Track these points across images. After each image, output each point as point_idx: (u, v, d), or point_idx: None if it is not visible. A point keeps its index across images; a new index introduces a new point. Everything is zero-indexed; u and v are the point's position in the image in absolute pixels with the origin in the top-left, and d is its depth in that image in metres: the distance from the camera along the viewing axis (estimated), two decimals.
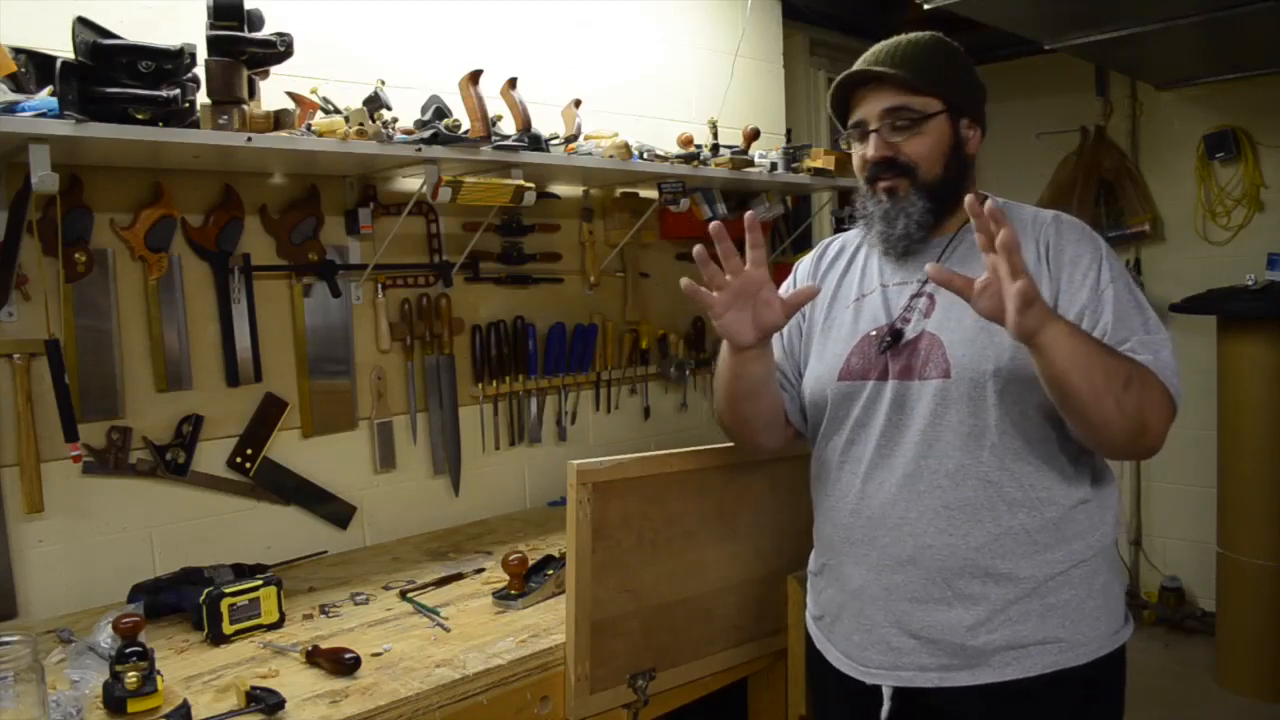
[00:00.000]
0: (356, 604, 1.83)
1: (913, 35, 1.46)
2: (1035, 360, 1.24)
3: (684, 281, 1.38)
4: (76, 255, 1.82)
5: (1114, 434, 1.28)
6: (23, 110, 1.52)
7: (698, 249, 1.38)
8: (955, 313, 1.39)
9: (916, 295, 1.45)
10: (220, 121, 1.72)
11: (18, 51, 1.62)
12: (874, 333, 1.46)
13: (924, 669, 1.39)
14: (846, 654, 1.48)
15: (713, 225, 1.39)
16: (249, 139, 1.73)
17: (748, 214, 1.41)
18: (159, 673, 1.39)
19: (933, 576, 1.38)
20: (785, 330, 1.57)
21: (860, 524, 1.44)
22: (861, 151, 1.46)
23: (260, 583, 1.69)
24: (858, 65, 1.45)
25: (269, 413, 2.11)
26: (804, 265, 1.65)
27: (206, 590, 1.64)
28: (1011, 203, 1.47)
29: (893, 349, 1.42)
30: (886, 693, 1.42)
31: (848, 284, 1.56)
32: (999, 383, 1.34)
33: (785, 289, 1.62)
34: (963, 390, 1.36)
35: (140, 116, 1.61)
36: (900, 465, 1.40)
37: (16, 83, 1.59)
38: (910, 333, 1.42)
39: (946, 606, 1.37)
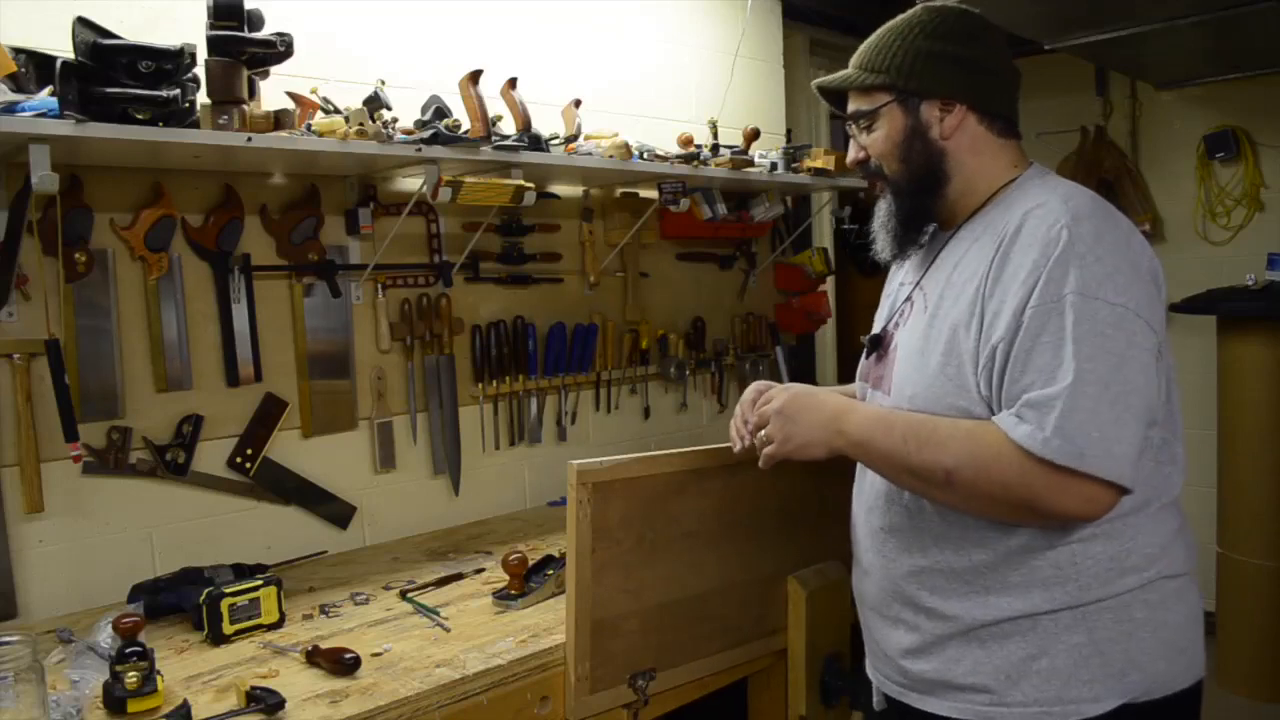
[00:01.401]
0: (356, 604, 1.83)
1: (895, 19, 1.38)
2: None
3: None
4: (76, 255, 1.82)
5: (974, 515, 1.24)
6: (23, 110, 1.52)
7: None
8: (916, 324, 1.34)
9: (907, 299, 1.40)
10: (220, 121, 1.72)
11: (18, 51, 1.62)
12: (866, 338, 1.48)
13: (889, 678, 1.41)
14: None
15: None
16: (249, 139, 1.73)
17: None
18: (159, 673, 1.39)
19: (877, 592, 1.40)
20: None
21: (854, 525, 1.49)
22: None
23: (260, 583, 1.69)
24: (819, 81, 1.46)
25: (269, 413, 2.11)
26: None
27: (206, 590, 1.64)
28: (1032, 183, 1.32)
29: (875, 356, 1.43)
30: (875, 687, 1.47)
31: (889, 287, 1.55)
32: (915, 408, 1.27)
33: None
34: (896, 407, 1.32)
35: (140, 116, 1.61)
36: (868, 478, 1.41)
37: (16, 83, 1.59)
38: (892, 341, 1.39)
39: (891, 625, 1.38)
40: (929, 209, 1.36)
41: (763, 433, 1.30)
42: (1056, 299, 1.15)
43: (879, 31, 1.38)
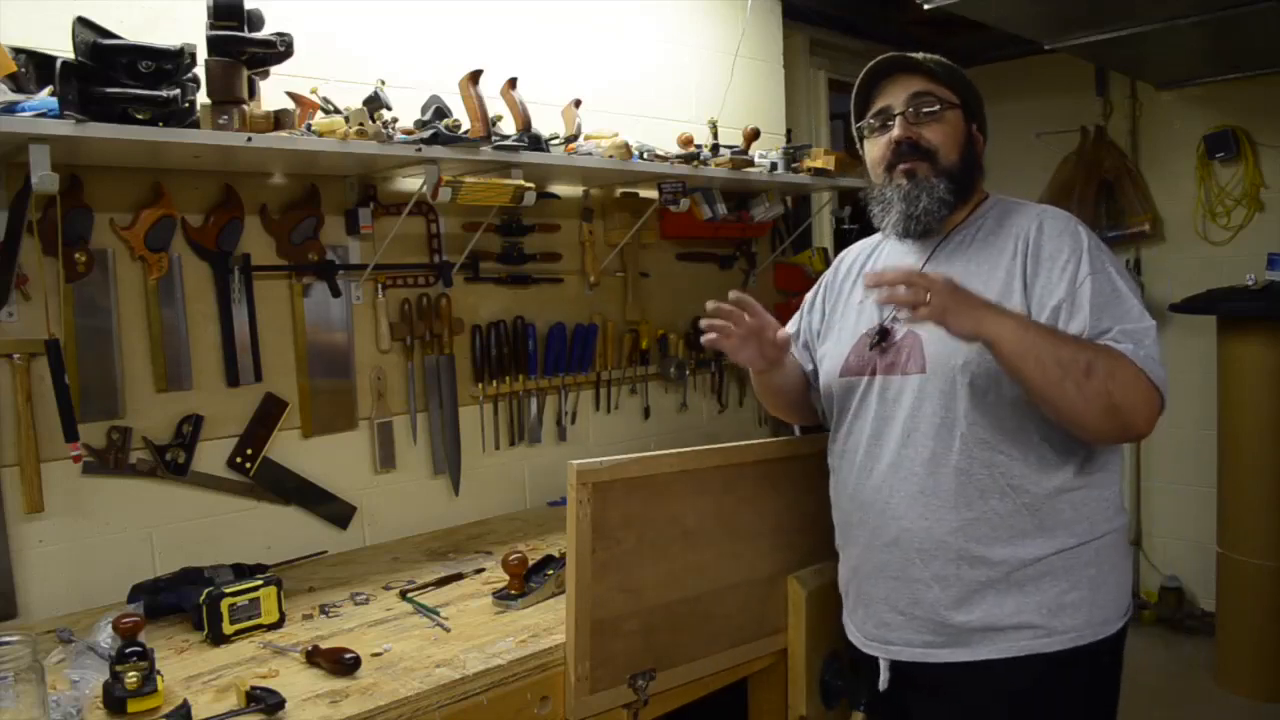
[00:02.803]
0: (356, 604, 1.83)
1: (939, 58, 1.56)
2: (991, 354, 1.36)
3: (707, 317, 1.58)
4: (76, 255, 1.82)
5: (1082, 418, 1.36)
6: (23, 110, 1.52)
7: (710, 304, 1.58)
8: None
9: None
10: (220, 121, 1.72)
11: (18, 51, 1.62)
12: (867, 332, 1.58)
13: (910, 644, 1.51)
14: (854, 625, 1.62)
15: (733, 295, 1.58)
16: (249, 139, 1.73)
17: (734, 294, 1.58)
18: (159, 673, 1.39)
19: (912, 558, 1.49)
20: (806, 332, 1.79)
21: (856, 508, 1.58)
22: (883, 137, 1.54)
23: (260, 583, 1.69)
24: (885, 55, 1.55)
25: (269, 413, 2.11)
26: (825, 277, 1.80)
27: (206, 590, 1.64)
28: (1009, 200, 1.58)
29: (880, 346, 1.54)
30: (883, 664, 1.55)
31: (856, 289, 1.67)
32: (967, 376, 1.44)
33: (809, 298, 1.81)
34: (936, 384, 1.46)
35: (140, 116, 1.61)
36: (886, 455, 1.52)
37: (16, 83, 1.59)
38: (899, 331, 1.53)
39: (925, 586, 1.48)
40: (955, 203, 1.53)
41: (926, 295, 1.31)
42: (1102, 268, 1.41)
43: (930, 56, 1.55)
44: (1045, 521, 1.43)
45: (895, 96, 1.53)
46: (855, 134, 1.63)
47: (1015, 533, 1.43)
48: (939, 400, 1.46)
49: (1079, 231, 1.45)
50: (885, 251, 1.67)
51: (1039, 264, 1.44)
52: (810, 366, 1.76)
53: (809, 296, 1.82)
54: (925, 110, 1.51)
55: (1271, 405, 3.18)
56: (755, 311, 1.58)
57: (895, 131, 1.52)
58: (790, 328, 1.76)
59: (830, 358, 1.66)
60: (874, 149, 1.57)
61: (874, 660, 1.57)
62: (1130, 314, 1.39)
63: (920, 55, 1.54)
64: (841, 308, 1.69)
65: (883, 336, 1.55)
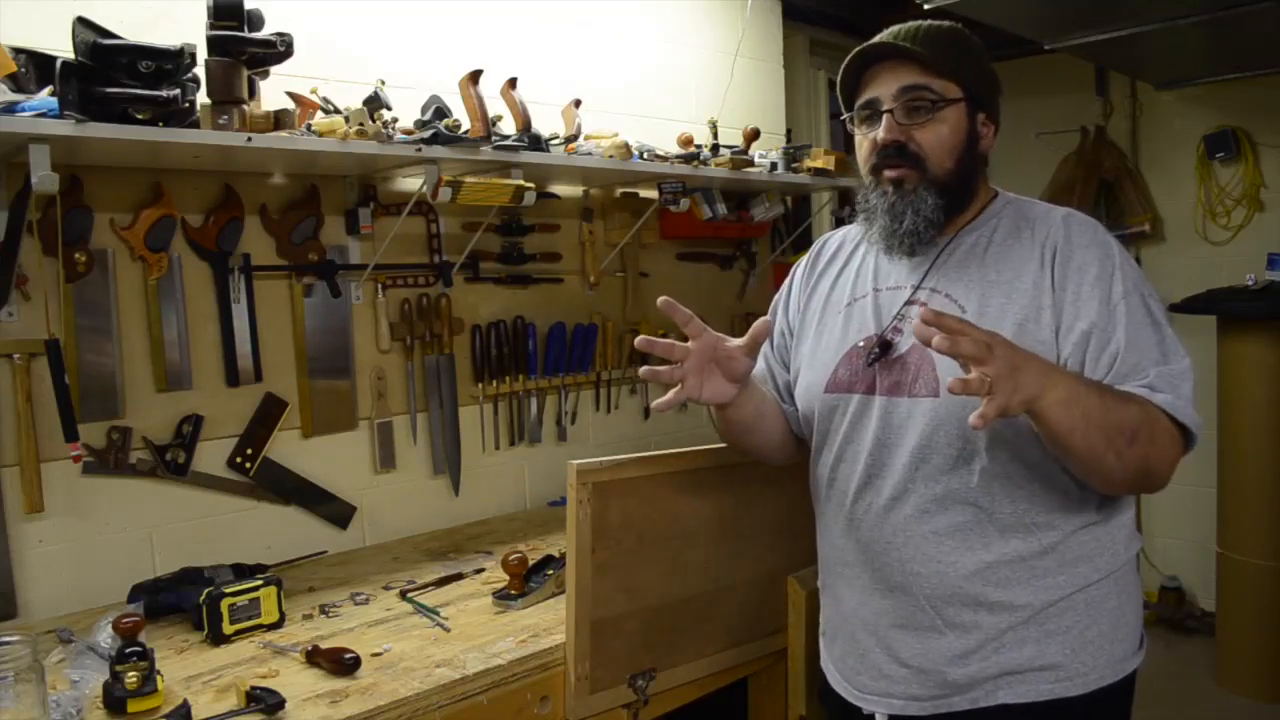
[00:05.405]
0: (356, 604, 1.83)
1: (932, 21, 1.35)
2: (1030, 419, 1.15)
3: (656, 402, 1.34)
4: (76, 255, 1.82)
5: (1114, 484, 1.24)
6: (23, 110, 1.52)
7: (640, 340, 1.34)
8: None
9: (909, 302, 1.35)
10: (220, 121, 1.72)
11: (18, 51, 1.62)
12: (862, 343, 1.37)
13: (916, 699, 1.34)
14: (843, 675, 1.44)
15: (661, 301, 1.35)
16: (249, 139, 1.73)
17: (662, 300, 1.35)
18: (159, 673, 1.39)
19: (921, 604, 1.31)
20: (775, 342, 1.55)
21: (851, 546, 1.39)
22: (869, 134, 1.35)
23: (260, 583, 1.69)
24: (877, 39, 1.35)
25: (269, 413, 2.11)
26: (800, 267, 1.57)
27: (206, 590, 1.64)
28: (1023, 200, 1.40)
29: (881, 362, 1.34)
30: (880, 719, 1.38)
31: (841, 287, 1.47)
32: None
33: (783, 290, 1.58)
34: (952, 410, 1.26)
35: (140, 116, 1.61)
36: (888, 487, 1.33)
37: (16, 83, 1.59)
38: (902, 345, 1.33)
39: (937, 635, 1.31)
40: (953, 213, 1.35)
41: (986, 376, 1.06)
42: (1135, 290, 1.27)
43: (934, 26, 1.34)
44: (1067, 557, 1.29)
45: (884, 87, 1.32)
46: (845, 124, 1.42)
47: (1037, 573, 1.28)
48: (955, 429, 1.26)
49: (1108, 242, 1.30)
50: (878, 253, 1.43)
51: (1067, 275, 1.27)
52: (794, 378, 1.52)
53: (780, 297, 1.57)
54: (917, 107, 1.30)
55: (1271, 405, 3.18)
56: (692, 328, 1.33)
57: (880, 133, 1.32)
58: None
59: (812, 368, 1.43)
60: (861, 144, 1.37)
61: (856, 712, 1.40)
62: (1167, 352, 1.24)
63: (915, 35, 1.32)
64: (821, 306, 1.47)
65: (884, 350, 1.33)
